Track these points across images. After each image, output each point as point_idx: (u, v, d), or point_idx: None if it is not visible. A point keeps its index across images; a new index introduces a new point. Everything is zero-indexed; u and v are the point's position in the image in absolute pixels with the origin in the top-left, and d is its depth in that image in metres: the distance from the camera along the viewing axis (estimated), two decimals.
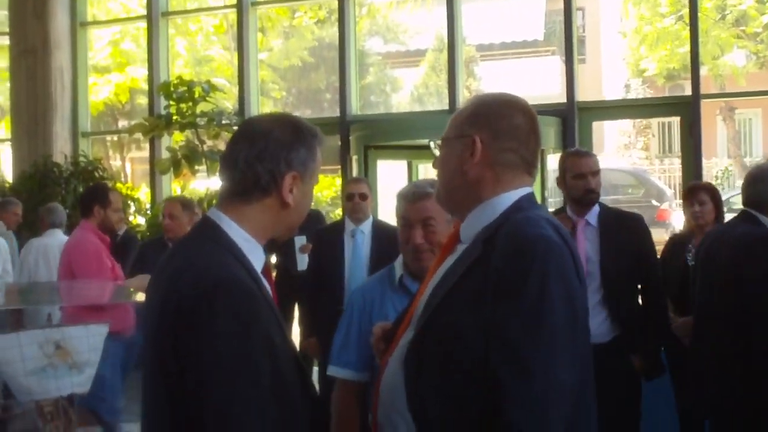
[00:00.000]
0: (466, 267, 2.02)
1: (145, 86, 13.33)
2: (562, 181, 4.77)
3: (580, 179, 4.65)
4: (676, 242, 5.86)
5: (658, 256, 5.46)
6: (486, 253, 1.98)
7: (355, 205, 6.05)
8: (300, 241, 8.15)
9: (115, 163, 21.70)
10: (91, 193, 6.30)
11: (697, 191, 5.68)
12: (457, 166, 2.15)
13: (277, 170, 2.09)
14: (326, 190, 14.89)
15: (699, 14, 8.66)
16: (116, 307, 5.80)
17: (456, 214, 2.26)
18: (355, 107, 9.28)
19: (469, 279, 1.99)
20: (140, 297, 5.90)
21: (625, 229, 4.76)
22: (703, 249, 4.51)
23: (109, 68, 18.73)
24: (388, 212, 10.85)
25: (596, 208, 4.77)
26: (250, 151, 2.09)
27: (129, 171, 22.86)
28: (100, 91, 17.51)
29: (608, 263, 4.58)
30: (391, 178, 9.27)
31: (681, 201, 6.10)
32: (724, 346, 4.11)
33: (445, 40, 9.26)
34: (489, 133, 2.12)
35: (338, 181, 11.63)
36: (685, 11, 11.19)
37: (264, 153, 2.08)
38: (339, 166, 9.01)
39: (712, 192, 5.72)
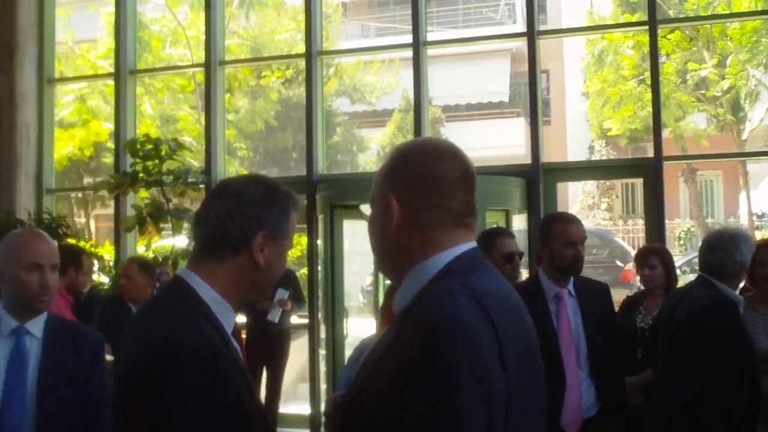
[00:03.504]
0: (384, 348, 1.79)
1: (110, 143, 13.32)
2: (545, 248, 4.41)
3: (569, 248, 4.35)
4: (629, 304, 5.97)
5: None
6: (401, 332, 1.75)
7: (514, 267, 5.05)
8: (281, 294, 8.11)
9: (80, 219, 21.55)
10: (67, 255, 6.29)
11: (647, 255, 5.81)
12: (381, 230, 1.93)
13: (248, 228, 2.08)
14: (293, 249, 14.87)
15: (660, 78, 8.81)
16: None
17: (395, 281, 1.99)
18: (321, 166, 9.29)
19: (385, 363, 1.75)
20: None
21: (596, 299, 4.64)
22: (666, 311, 4.57)
23: (74, 124, 18.71)
24: (354, 272, 10.85)
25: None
26: (222, 208, 2.10)
27: (93, 228, 22.69)
28: (65, 146, 17.45)
29: (592, 334, 4.42)
30: (357, 237, 9.26)
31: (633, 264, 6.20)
32: (687, 403, 4.13)
33: (412, 101, 9.33)
34: (406, 190, 1.89)
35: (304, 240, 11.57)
36: (647, 74, 11.40)
37: (235, 210, 2.09)
38: (305, 225, 9.00)
39: (663, 255, 5.82)
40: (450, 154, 1.92)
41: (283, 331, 8.61)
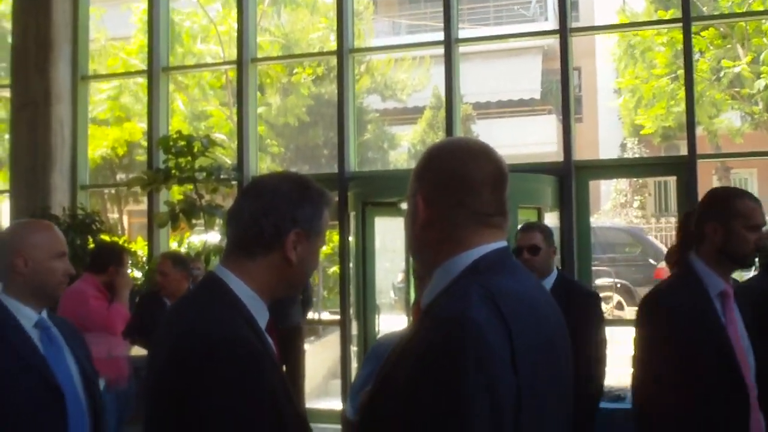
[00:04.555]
0: (405, 345, 1.82)
1: (143, 140, 13.41)
2: (718, 228, 3.43)
3: (754, 232, 3.44)
4: None
5: None
6: (420, 330, 1.78)
7: (524, 262, 4.60)
8: None
9: (113, 215, 21.73)
10: (109, 253, 6.43)
11: (677, 254, 5.74)
12: (411, 228, 1.96)
13: (282, 226, 2.09)
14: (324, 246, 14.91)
15: (694, 75, 8.74)
16: (111, 361, 5.80)
17: (428, 276, 1.99)
18: (353, 164, 9.31)
19: (404, 360, 1.77)
20: (135, 351, 5.91)
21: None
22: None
23: (107, 121, 18.87)
24: (385, 269, 10.86)
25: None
26: (256, 206, 2.11)
27: (126, 224, 22.87)
28: (98, 146, 17.61)
29: (757, 346, 3.52)
30: (389, 234, 9.28)
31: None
32: None
33: (443, 98, 9.32)
34: (432, 189, 1.91)
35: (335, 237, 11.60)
36: (681, 72, 11.30)
37: (269, 208, 2.09)
38: (337, 222, 9.02)
39: None
40: (479, 154, 1.92)
41: (294, 328, 8.62)
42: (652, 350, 3.42)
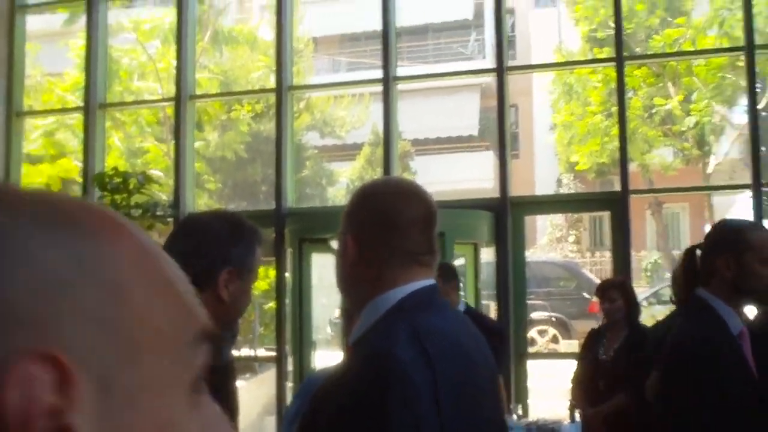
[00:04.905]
0: (333, 381, 1.84)
1: (78, 177, 13.24)
2: (730, 261, 3.11)
3: None
4: (592, 336, 6.07)
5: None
6: (348, 366, 1.83)
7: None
8: None
9: None
10: None
11: (607, 289, 5.93)
12: (340, 266, 1.98)
13: (214, 265, 2.09)
14: (260, 282, 14.81)
15: (627, 112, 8.95)
16: None
17: (357, 314, 2.02)
18: (290, 200, 9.31)
19: (332, 395, 1.79)
20: None
21: None
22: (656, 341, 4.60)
23: (42, 158, 18.60)
24: (322, 305, 10.84)
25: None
26: (187, 245, 2.10)
27: None
28: (33, 182, 17.32)
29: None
30: (326, 270, 9.28)
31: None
32: None
33: (381, 135, 9.39)
34: (362, 228, 1.93)
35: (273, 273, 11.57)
36: (614, 109, 11.56)
37: (200, 247, 2.09)
38: (274, 258, 9.00)
39: (623, 288, 5.91)
40: (409, 195, 1.95)
41: (226, 365, 8.53)
42: (698, 400, 3.08)
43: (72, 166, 17.97)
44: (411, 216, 1.91)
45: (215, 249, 2.10)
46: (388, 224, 1.90)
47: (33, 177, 17.42)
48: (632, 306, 5.81)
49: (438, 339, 1.78)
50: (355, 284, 1.95)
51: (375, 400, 1.64)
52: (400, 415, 1.63)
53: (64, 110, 17.41)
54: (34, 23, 12.14)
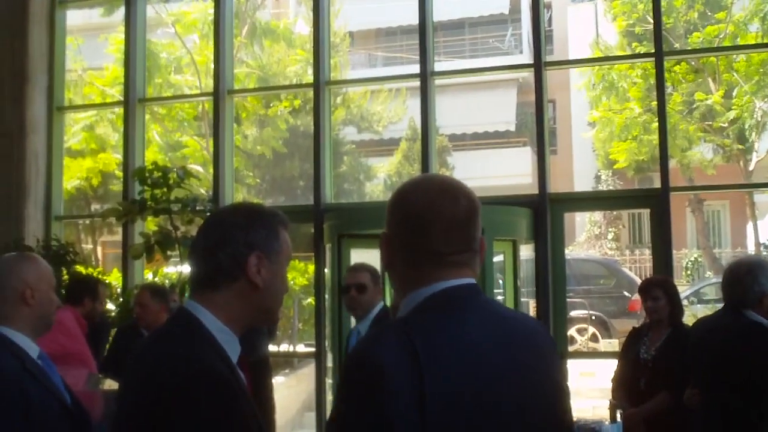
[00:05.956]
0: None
1: (118, 171, 13.34)
2: None
3: None
4: (633, 336, 5.99)
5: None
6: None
7: (350, 300, 5.31)
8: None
9: (87, 246, 21.57)
10: (83, 285, 6.45)
11: (649, 287, 5.82)
12: (382, 264, 2.04)
13: (238, 253, 2.10)
14: (300, 277, 14.85)
15: (667, 109, 8.84)
16: (86, 394, 5.74)
17: None
18: (329, 195, 9.31)
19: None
20: (109, 385, 5.86)
21: None
22: (696, 338, 4.60)
23: (82, 152, 18.80)
24: None
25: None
26: (209, 240, 2.13)
27: (100, 255, 22.71)
28: (73, 176, 17.52)
29: None
30: None
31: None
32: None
33: (419, 130, 9.35)
34: (394, 228, 1.95)
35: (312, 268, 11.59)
36: (654, 104, 11.42)
37: (221, 239, 2.11)
38: (313, 254, 9.00)
39: (666, 287, 5.82)
40: (444, 193, 1.92)
41: (263, 360, 8.55)
42: None
43: (112, 159, 18.15)
44: (437, 216, 1.89)
45: (236, 235, 2.11)
46: (413, 224, 1.90)
47: (74, 171, 17.62)
48: (675, 305, 5.73)
49: (438, 341, 1.75)
50: (393, 283, 2.00)
51: (345, 395, 1.73)
52: (376, 417, 1.65)
53: (104, 105, 17.55)
54: (74, 17, 12.23)
